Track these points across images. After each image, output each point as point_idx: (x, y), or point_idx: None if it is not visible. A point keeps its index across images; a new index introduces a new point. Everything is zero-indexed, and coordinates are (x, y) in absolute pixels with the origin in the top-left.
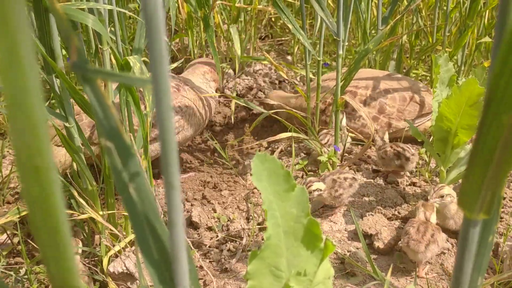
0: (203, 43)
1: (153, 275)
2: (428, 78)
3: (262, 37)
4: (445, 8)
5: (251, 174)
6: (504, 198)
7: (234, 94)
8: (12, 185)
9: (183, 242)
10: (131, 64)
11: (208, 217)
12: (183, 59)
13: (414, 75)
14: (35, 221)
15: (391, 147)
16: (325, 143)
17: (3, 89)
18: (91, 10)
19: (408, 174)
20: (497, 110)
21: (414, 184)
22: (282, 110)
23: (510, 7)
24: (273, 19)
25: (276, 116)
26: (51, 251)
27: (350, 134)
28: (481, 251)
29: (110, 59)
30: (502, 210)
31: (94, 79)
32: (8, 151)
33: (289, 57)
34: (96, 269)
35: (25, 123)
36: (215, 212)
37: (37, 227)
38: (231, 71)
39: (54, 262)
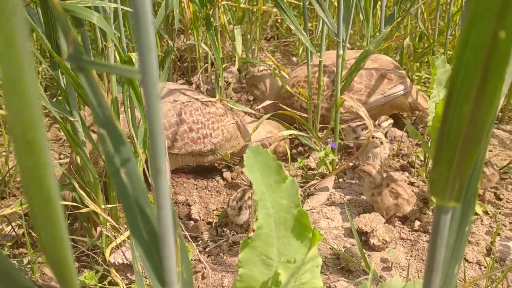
0: (208, 42)
1: (141, 255)
2: (430, 80)
3: (268, 38)
4: (448, 11)
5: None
6: (501, 199)
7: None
8: (18, 179)
9: (170, 224)
10: (133, 60)
11: (208, 213)
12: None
13: (416, 77)
14: (28, 191)
15: (349, 126)
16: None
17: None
18: (96, 8)
19: (407, 174)
20: (457, 101)
21: (412, 184)
22: (283, 111)
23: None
24: (279, 20)
25: (276, 118)
26: (43, 219)
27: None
28: (459, 240)
29: (115, 56)
30: (499, 211)
31: (88, 69)
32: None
33: (294, 58)
34: (97, 259)
35: (19, 100)
36: (215, 210)
37: (30, 197)
38: (236, 71)
39: (44, 230)
